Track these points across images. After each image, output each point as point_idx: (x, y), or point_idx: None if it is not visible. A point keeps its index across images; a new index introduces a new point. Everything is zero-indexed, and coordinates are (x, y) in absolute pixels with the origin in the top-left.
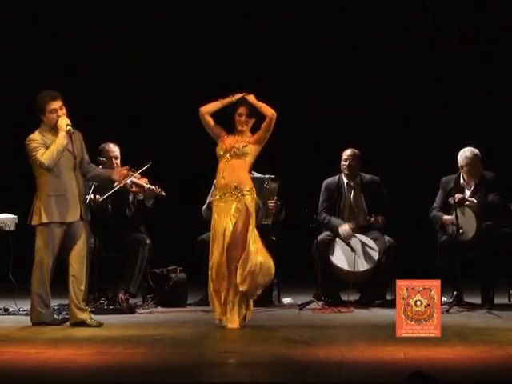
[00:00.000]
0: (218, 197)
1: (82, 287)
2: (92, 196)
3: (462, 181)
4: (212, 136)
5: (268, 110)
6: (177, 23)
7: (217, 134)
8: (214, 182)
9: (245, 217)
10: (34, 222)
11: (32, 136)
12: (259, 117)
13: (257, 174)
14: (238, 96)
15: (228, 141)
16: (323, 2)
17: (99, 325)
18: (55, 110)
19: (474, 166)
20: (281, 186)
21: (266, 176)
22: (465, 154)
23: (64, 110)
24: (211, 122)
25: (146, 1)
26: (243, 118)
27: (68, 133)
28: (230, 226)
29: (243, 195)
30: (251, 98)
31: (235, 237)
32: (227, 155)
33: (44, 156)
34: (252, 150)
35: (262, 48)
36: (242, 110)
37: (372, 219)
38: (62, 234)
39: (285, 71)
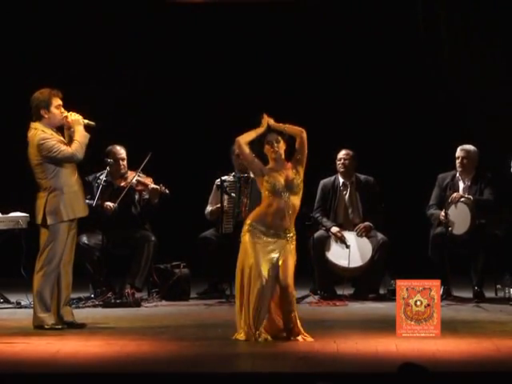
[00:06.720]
0: (264, 231)
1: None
2: (99, 202)
3: (457, 175)
4: (250, 169)
5: (295, 130)
6: (177, 25)
7: (258, 166)
8: (217, 182)
9: (295, 258)
10: (52, 221)
11: (44, 135)
12: (286, 137)
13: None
14: (266, 122)
15: (275, 174)
16: (319, 4)
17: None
18: (60, 106)
19: (468, 160)
20: None
21: (252, 175)
22: (463, 146)
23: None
24: (250, 153)
25: (153, 6)
26: (275, 146)
27: (87, 126)
28: (280, 263)
29: (293, 237)
30: (271, 122)
31: (289, 273)
32: (285, 192)
33: (73, 149)
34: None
35: (260, 49)
36: (270, 137)
37: (360, 226)
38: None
39: (283, 72)
